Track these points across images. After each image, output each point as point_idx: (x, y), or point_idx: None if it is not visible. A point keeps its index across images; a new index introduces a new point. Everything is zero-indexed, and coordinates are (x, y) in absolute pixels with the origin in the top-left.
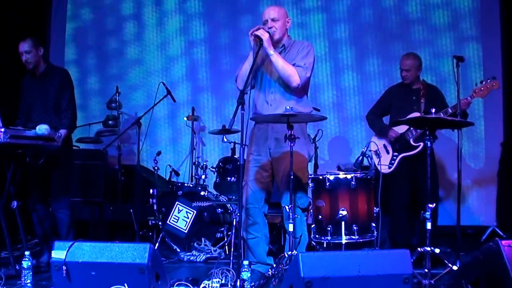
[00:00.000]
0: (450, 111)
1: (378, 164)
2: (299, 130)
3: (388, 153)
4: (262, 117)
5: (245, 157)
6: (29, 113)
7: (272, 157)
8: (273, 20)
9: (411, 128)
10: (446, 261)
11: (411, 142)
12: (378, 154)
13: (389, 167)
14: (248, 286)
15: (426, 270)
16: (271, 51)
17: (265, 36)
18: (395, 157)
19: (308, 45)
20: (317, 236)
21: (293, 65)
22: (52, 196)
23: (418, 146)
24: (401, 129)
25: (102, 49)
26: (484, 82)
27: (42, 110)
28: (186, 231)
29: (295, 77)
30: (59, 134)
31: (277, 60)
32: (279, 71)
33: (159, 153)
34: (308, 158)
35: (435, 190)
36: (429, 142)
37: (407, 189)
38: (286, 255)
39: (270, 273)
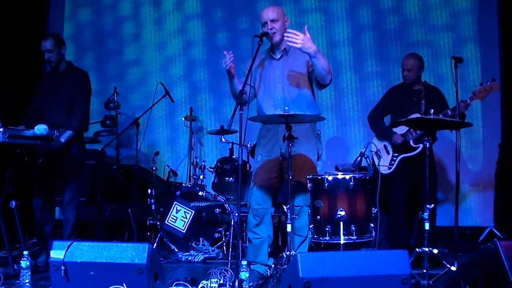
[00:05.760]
0: (450, 113)
1: (378, 165)
2: (310, 130)
3: (388, 153)
4: (261, 117)
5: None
6: (41, 110)
7: (283, 158)
8: (272, 21)
9: (411, 129)
10: (444, 262)
11: (411, 143)
12: (378, 155)
13: (389, 168)
14: (247, 286)
15: (424, 271)
16: (312, 52)
17: (309, 45)
18: (395, 158)
19: None
20: (315, 236)
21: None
22: (61, 196)
23: (418, 147)
24: (401, 130)
25: (100, 49)
26: (483, 84)
27: (55, 109)
28: (184, 231)
29: (330, 75)
30: (57, 134)
31: (322, 58)
32: (321, 67)
33: (157, 153)
34: (318, 157)
35: (434, 191)
36: (427, 143)
37: (407, 190)
38: (285, 255)
39: (268, 273)
